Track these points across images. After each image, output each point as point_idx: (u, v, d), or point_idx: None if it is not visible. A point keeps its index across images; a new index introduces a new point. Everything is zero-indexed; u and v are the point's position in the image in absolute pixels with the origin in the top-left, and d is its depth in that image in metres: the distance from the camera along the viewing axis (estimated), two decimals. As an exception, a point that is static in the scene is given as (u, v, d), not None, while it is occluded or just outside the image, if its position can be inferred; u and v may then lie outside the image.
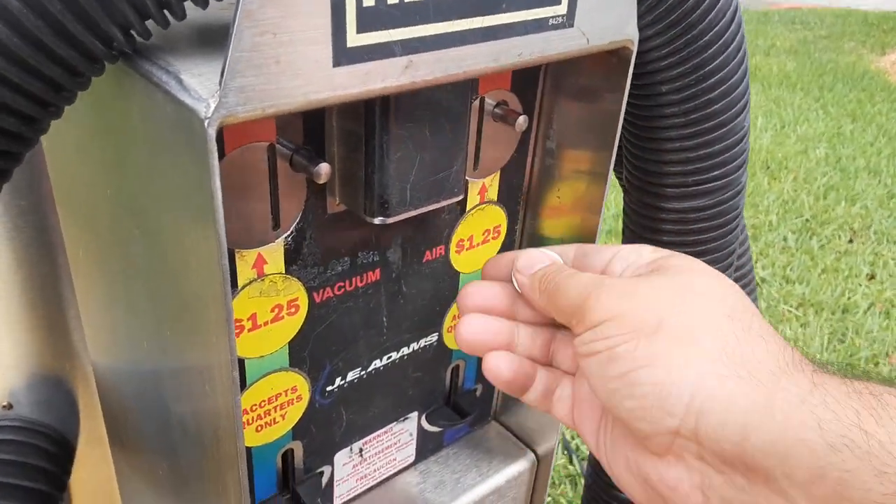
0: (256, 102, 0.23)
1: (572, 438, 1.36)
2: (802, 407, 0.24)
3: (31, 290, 0.47)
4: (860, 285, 1.81)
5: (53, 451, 0.51)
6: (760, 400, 0.25)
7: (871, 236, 2.04)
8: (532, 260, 0.34)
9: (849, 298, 1.75)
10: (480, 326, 0.34)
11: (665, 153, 0.39)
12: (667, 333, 0.27)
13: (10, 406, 0.51)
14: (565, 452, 1.33)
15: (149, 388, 0.38)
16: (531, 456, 0.48)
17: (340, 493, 0.43)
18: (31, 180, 0.42)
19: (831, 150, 2.62)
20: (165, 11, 0.24)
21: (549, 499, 1.30)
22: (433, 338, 0.43)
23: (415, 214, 0.33)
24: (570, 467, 1.33)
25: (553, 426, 0.48)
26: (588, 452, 1.37)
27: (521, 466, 0.48)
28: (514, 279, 0.34)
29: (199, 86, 0.23)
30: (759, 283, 1.80)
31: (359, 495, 0.45)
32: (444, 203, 0.34)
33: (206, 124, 0.22)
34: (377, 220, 0.32)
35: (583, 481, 1.30)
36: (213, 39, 0.28)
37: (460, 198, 0.35)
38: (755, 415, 0.25)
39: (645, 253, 0.32)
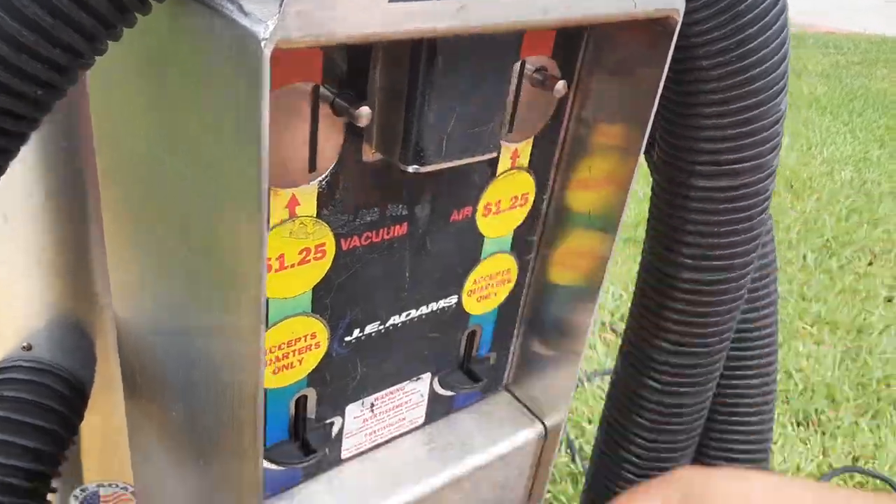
0: (311, 29, 0.24)
1: (576, 438, 1.36)
2: None
3: (59, 232, 0.48)
4: (877, 307, 1.80)
5: (68, 395, 0.52)
6: None
7: (892, 260, 2.03)
8: None
9: (864, 319, 1.74)
10: None
11: (699, 129, 0.39)
12: None
13: (29, 347, 0.52)
14: (568, 451, 1.33)
15: (172, 327, 0.39)
16: (539, 427, 0.49)
17: (348, 446, 0.44)
18: (70, 122, 0.43)
19: (857, 173, 2.60)
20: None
21: (549, 495, 1.30)
22: (452, 300, 0.43)
23: (448, 167, 0.34)
24: (572, 465, 1.32)
25: (563, 399, 0.48)
26: (591, 452, 1.37)
27: (528, 436, 0.48)
28: None
29: (259, 11, 0.24)
30: (774, 299, 1.79)
31: (366, 451, 0.45)
32: (478, 158, 0.34)
33: (262, 45, 0.23)
34: (411, 169, 0.33)
35: (583, 480, 1.30)
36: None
37: (494, 155, 0.35)
38: None
39: None
